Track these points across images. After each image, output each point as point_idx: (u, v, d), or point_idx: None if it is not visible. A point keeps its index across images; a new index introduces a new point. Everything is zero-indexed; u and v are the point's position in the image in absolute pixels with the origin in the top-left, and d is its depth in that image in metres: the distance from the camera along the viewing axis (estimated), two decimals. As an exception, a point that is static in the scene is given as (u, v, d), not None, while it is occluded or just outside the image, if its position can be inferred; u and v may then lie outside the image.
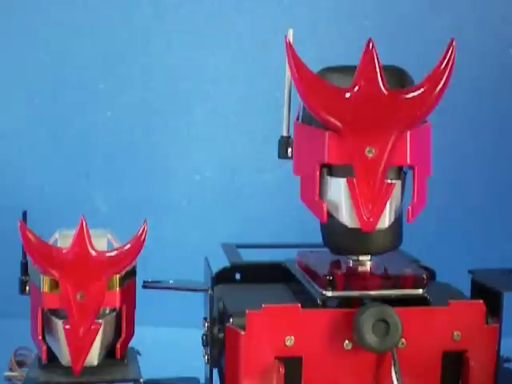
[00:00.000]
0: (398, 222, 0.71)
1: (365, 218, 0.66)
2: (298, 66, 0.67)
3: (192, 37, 1.26)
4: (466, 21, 1.24)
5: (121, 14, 1.26)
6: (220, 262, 0.84)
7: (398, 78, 0.69)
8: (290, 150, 0.74)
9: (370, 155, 0.66)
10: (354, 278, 0.72)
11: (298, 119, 0.73)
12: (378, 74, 0.66)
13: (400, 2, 1.25)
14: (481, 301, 0.73)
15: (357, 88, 0.66)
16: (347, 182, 0.67)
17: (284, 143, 0.74)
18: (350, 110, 0.66)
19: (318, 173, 0.68)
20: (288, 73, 0.73)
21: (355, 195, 0.66)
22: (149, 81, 1.27)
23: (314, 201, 0.69)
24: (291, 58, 0.67)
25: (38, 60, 1.27)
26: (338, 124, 0.66)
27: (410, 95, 0.66)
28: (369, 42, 0.66)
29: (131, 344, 0.75)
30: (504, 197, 1.26)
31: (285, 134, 0.74)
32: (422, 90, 0.66)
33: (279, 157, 0.75)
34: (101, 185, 1.29)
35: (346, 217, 0.68)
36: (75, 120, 1.27)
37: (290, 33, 0.70)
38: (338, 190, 0.68)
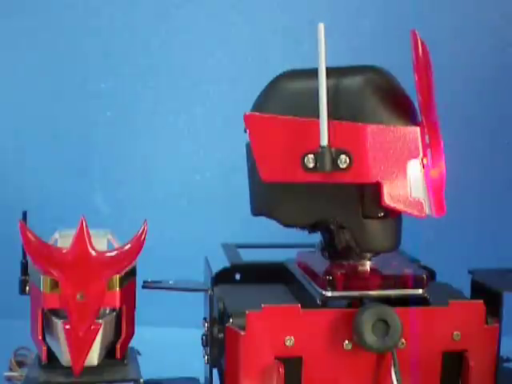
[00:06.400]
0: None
1: None
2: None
3: (192, 37, 1.26)
4: (465, 21, 1.24)
5: (122, 13, 1.26)
6: (220, 262, 0.84)
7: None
8: None
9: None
10: (353, 277, 0.72)
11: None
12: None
13: (400, 1, 1.25)
14: (481, 301, 0.73)
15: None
16: None
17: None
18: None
19: None
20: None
21: None
22: (149, 81, 1.27)
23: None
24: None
25: (38, 60, 1.27)
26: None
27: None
28: None
29: (131, 344, 0.75)
30: (504, 197, 1.26)
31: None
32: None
33: None
34: (101, 185, 1.29)
35: None
36: (75, 120, 1.27)
37: (321, 28, 0.67)
38: None
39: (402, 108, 0.69)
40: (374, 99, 0.68)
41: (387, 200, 0.68)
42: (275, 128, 0.69)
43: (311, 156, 0.67)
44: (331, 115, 0.67)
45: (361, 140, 0.67)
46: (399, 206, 0.68)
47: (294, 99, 0.69)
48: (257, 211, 0.74)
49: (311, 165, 0.67)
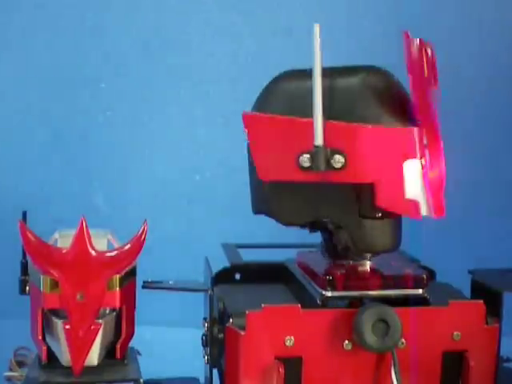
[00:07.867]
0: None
1: None
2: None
3: (192, 37, 1.26)
4: (465, 21, 1.24)
5: (122, 13, 1.26)
6: (220, 262, 0.84)
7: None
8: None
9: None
10: (353, 277, 0.72)
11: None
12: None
13: (399, 1, 1.25)
14: (481, 301, 0.73)
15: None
16: None
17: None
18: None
19: None
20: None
21: None
22: (149, 81, 1.27)
23: None
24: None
25: (38, 60, 1.27)
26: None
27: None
28: None
29: (131, 344, 0.75)
30: (504, 197, 1.26)
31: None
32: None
33: None
34: (101, 185, 1.29)
35: None
36: (75, 120, 1.27)
37: (317, 28, 0.66)
38: None
39: (398, 108, 0.68)
40: (370, 99, 0.68)
41: (381, 201, 0.68)
42: (273, 128, 0.69)
43: (307, 156, 0.67)
44: (327, 115, 0.67)
45: (355, 140, 0.67)
46: (393, 207, 0.68)
47: (293, 99, 0.69)
48: (257, 209, 0.74)
49: (306, 164, 0.67)
